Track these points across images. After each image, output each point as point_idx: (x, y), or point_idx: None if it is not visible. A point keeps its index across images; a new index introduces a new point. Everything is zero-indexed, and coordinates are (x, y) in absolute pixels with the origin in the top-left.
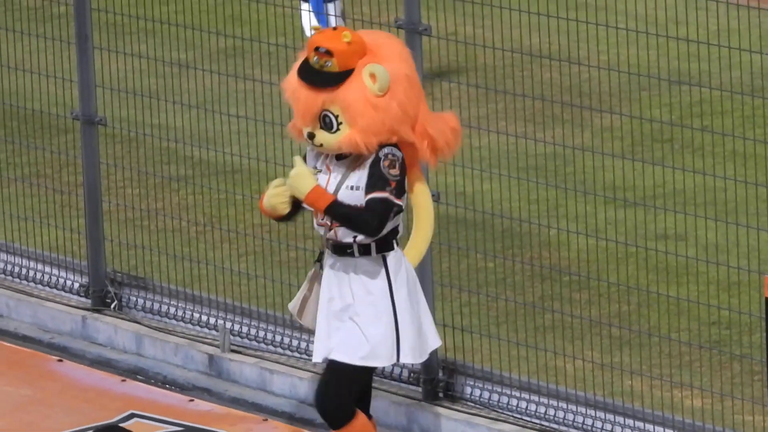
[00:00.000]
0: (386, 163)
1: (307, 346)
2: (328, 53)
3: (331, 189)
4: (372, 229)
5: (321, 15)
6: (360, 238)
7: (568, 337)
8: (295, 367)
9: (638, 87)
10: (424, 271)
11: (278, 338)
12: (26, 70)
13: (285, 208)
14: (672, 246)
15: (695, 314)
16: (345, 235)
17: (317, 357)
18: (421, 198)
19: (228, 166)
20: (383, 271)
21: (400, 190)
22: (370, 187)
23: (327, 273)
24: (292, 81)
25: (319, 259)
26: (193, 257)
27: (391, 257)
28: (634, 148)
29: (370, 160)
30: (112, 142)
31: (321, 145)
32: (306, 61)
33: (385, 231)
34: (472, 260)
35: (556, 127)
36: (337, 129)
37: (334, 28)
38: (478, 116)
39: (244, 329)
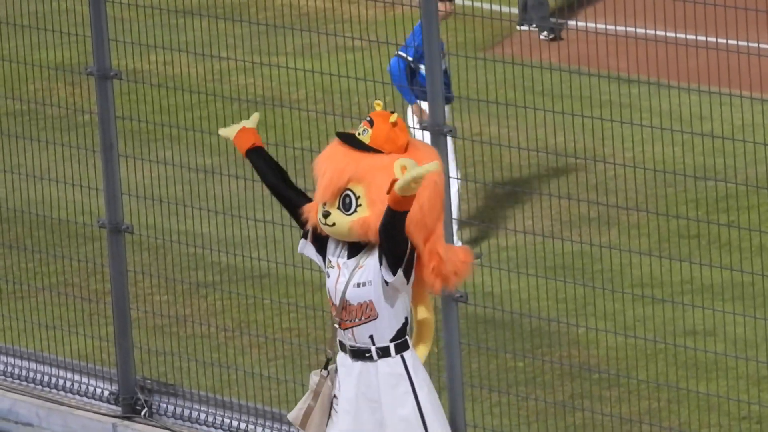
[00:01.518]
0: None
1: None
2: (370, 122)
3: (340, 287)
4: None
5: (404, 88)
6: (377, 339)
7: None
8: None
9: (664, 183)
10: (453, 371)
11: None
12: (52, 179)
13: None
14: (701, 342)
15: (726, 409)
16: (362, 337)
17: None
18: (424, 318)
19: (256, 271)
20: (404, 371)
21: (409, 273)
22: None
23: (346, 384)
24: (323, 153)
25: (326, 367)
26: (223, 362)
27: (409, 355)
28: (662, 245)
29: (377, 256)
30: (139, 250)
31: (333, 224)
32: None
33: (399, 323)
34: (501, 360)
35: (583, 225)
36: (354, 211)
37: (392, 112)
38: (504, 216)
39: None
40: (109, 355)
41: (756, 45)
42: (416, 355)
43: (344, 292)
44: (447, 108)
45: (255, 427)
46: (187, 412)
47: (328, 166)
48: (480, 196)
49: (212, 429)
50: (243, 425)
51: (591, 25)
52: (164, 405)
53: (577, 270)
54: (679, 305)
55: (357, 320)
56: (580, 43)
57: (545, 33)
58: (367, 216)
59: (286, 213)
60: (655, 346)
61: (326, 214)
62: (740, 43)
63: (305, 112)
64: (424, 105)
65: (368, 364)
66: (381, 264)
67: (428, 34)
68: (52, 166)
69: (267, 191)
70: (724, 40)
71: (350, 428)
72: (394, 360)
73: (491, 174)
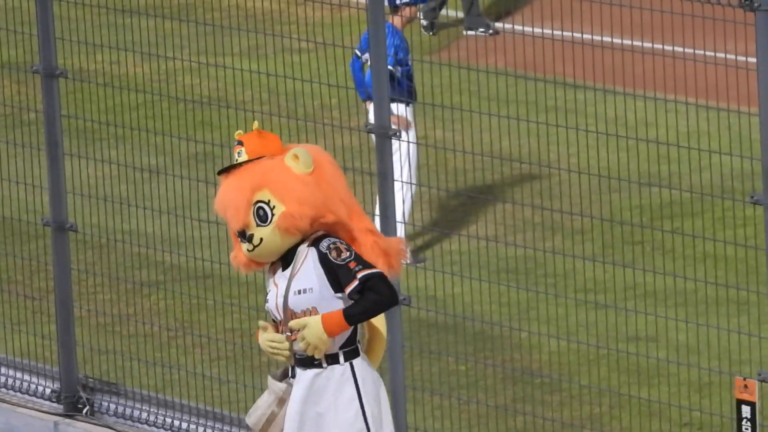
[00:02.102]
0: (334, 254)
1: None
2: (240, 143)
3: (280, 301)
4: (390, 298)
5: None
6: (327, 349)
7: None
8: None
9: (609, 189)
10: (395, 374)
11: None
12: None
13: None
14: (643, 348)
15: (667, 416)
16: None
17: None
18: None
19: (200, 271)
20: (351, 378)
21: (364, 263)
22: (346, 280)
23: (296, 389)
24: (219, 191)
25: (291, 374)
26: (166, 362)
27: (358, 363)
28: (605, 251)
29: (313, 261)
30: (84, 248)
31: (260, 241)
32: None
33: (348, 332)
34: (443, 363)
35: (528, 230)
36: (272, 216)
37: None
38: (449, 220)
39: None
40: (52, 353)
41: (702, 52)
42: (367, 363)
43: (285, 301)
44: (410, 109)
45: (197, 427)
46: (129, 411)
47: (227, 197)
48: (425, 200)
49: (154, 428)
50: (185, 425)
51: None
52: (106, 404)
53: (521, 274)
54: (622, 311)
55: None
56: (527, 48)
57: (482, 29)
58: (285, 209)
59: None
60: (597, 351)
61: (250, 238)
62: (686, 50)
63: (251, 113)
64: (401, 111)
65: (317, 373)
66: (328, 283)
67: (375, 36)
68: None
69: (212, 191)
70: (671, 47)
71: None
72: (343, 367)
73: (436, 178)
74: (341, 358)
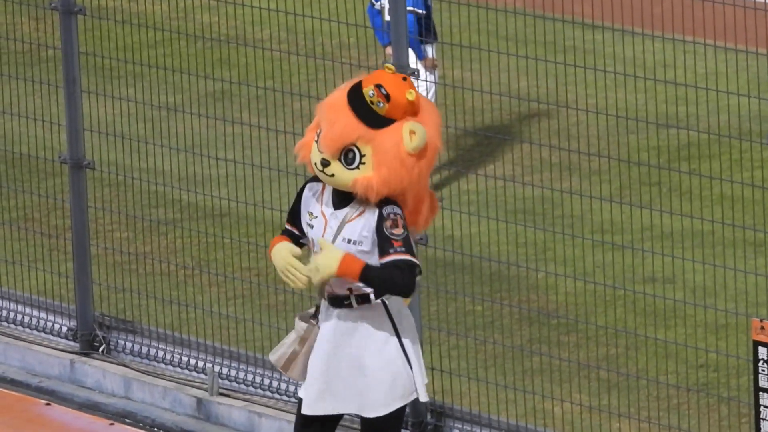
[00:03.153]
0: (389, 223)
1: (296, 389)
2: (387, 98)
3: (328, 239)
4: (407, 288)
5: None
6: (357, 290)
7: (556, 380)
8: (284, 411)
9: (626, 131)
10: (412, 314)
11: (267, 382)
12: (14, 113)
13: (299, 287)
14: (660, 289)
15: (683, 357)
16: (340, 287)
17: (318, 410)
18: None
19: (216, 210)
20: (386, 317)
21: (409, 247)
22: (383, 251)
23: (325, 327)
24: (336, 100)
25: (316, 315)
26: (182, 301)
27: (392, 301)
28: (622, 192)
29: (373, 216)
30: (101, 186)
31: (332, 175)
32: (359, 88)
33: None
34: (460, 304)
35: (544, 170)
36: (357, 167)
37: (405, 78)
38: (466, 159)
39: (233, 372)
40: (68, 292)
41: None
42: (399, 300)
43: (332, 241)
44: (431, 48)
45: (213, 366)
46: (145, 350)
47: (339, 119)
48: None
49: (170, 367)
50: (201, 363)
51: None
52: (122, 342)
53: (537, 215)
54: (639, 252)
55: None
56: None
57: None
58: (371, 176)
59: (248, 152)
60: (614, 292)
61: (325, 164)
62: None
63: (269, 51)
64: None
65: (347, 313)
66: (376, 244)
67: None
68: (14, 100)
69: (229, 130)
70: None
71: (324, 368)
72: (376, 304)
73: (453, 117)
74: (372, 297)
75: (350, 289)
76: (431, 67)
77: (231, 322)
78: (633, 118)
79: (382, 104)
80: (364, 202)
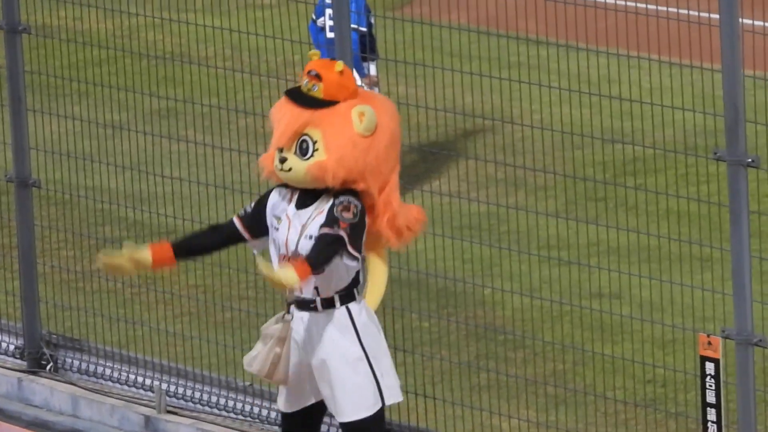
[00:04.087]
0: (340, 207)
1: (243, 406)
2: (318, 77)
3: (292, 239)
4: (313, 263)
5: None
6: (322, 290)
7: (503, 396)
8: (232, 428)
9: (572, 146)
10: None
11: (214, 399)
12: None
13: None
14: (607, 304)
15: (631, 372)
16: (307, 289)
17: (291, 407)
18: (376, 265)
19: (163, 228)
20: (350, 322)
21: (354, 236)
22: (322, 225)
23: (294, 330)
24: (278, 103)
25: (289, 311)
26: (129, 318)
27: (354, 306)
28: (569, 207)
29: (327, 206)
30: (47, 204)
31: (290, 169)
32: (297, 86)
33: (349, 277)
34: (407, 320)
35: (490, 186)
36: (311, 156)
37: (332, 59)
38: (413, 176)
39: (180, 390)
40: (15, 310)
41: (665, 8)
42: (364, 306)
43: (297, 245)
44: (373, 66)
45: (160, 383)
46: (92, 368)
47: (285, 112)
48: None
49: (117, 384)
50: (148, 381)
51: None
52: (70, 360)
53: (484, 230)
54: (585, 267)
55: None
56: (489, 4)
57: None
58: (324, 160)
59: (193, 169)
60: (561, 307)
61: (283, 160)
62: (649, 6)
63: (214, 69)
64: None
65: (313, 314)
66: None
67: None
68: None
69: (175, 147)
70: (633, 3)
71: (294, 371)
72: (339, 311)
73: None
74: (337, 302)
75: (317, 288)
76: (373, 85)
77: (178, 340)
78: (579, 134)
79: (316, 86)
80: (326, 200)
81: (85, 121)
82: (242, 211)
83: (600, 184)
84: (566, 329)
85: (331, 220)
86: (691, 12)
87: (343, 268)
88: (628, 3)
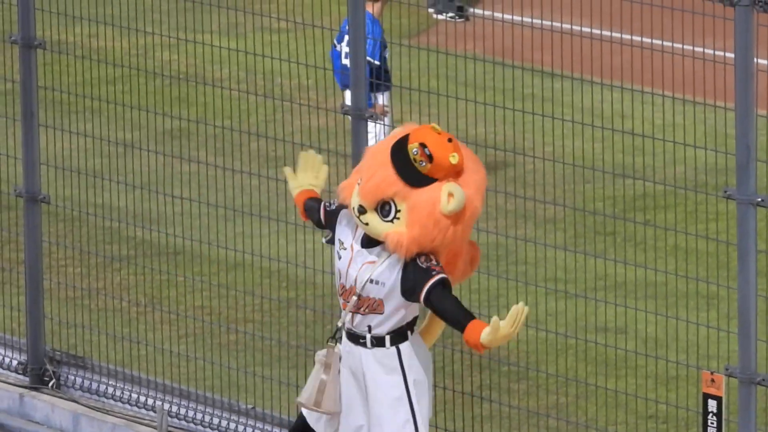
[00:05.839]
0: (422, 258)
1: (245, 429)
2: (430, 158)
3: (353, 273)
4: (454, 312)
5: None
6: (375, 329)
7: (505, 427)
8: None
9: (582, 179)
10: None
11: (216, 421)
12: None
13: None
14: (611, 339)
15: (633, 408)
16: (361, 325)
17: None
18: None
19: (170, 248)
20: (398, 363)
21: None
22: (417, 284)
23: (344, 360)
24: (380, 151)
25: (334, 336)
26: (133, 337)
27: (405, 347)
28: (577, 240)
29: (399, 264)
30: (55, 221)
31: (367, 224)
32: (404, 143)
33: (404, 321)
34: None
35: (500, 217)
36: (391, 221)
37: (450, 140)
38: None
39: (182, 411)
40: (19, 325)
41: (680, 46)
42: (414, 348)
43: (355, 280)
44: (386, 95)
45: (162, 403)
46: (95, 386)
47: (379, 171)
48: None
49: (119, 403)
50: (150, 401)
51: (512, 17)
52: (72, 377)
53: (491, 261)
54: (591, 301)
55: (362, 309)
56: (505, 36)
57: (451, 14)
58: (403, 233)
59: (203, 190)
60: (565, 341)
61: (362, 211)
62: (664, 42)
63: (227, 90)
64: (381, 99)
65: (361, 350)
66: (401, 286)
67: (354, 20)
68: None
69: (186, 168)
70: (648, 39)
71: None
72: (389, 350)
73: None
74: (387, 342)
75: (369, 326)
76: (381, 114)
77: (182, 360)
78: (589, 167)
79: (424, 163)
80: (389, 254)
81: (96, 138)
82: (328, 203)
83: (608, 219)
84: (570, 362)
85: (421, 274)
86: (706, 50)
87: (409, 314)
88: (644, 39)
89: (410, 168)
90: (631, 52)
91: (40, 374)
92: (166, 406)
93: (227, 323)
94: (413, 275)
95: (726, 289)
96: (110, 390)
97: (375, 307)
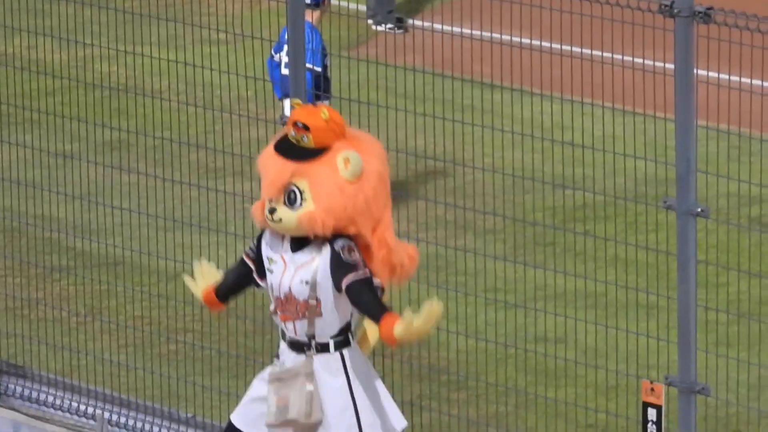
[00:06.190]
0: (346, 252)
1: None
2: (305, 128)
3: (286, 281)
4: (372, 306)
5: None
6: (318, 335)
7: None
8: None
9: (522, 190)
10: None
11: (156, 429)
12: None
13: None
14: (551, 348)
15: (573, 417)
16: (301, 332)
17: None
18: None
19: (110, 258)
20: (341, 366)
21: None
22: (340, 275)
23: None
24: (266, 152)
25: (276, 356)
26: (73, 347)
27: (347, 352)
28: (516, 251)
29: (326, 256)
30: None
31: (280, 220)
32: (285, 136)
33: (343, 322)
34: None
35: (439, 227)
36: (300, 206)
37: (314, 104)
38: None
39: (122, 420)
40: None
41: (620, 57)
42: (358, 353)
43: (290, 288)
44: (326, 104)
45: (103, 412)
46: (35, 394)
47: (271, 164)
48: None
49: (60, 412)
50: (91, 410)
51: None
52: (12, 386)
53: (431, 272)
54: (531, 311)
55: (300, 315)
56: (443, 47)
57: (390, 26)
58: (313, 210)
59: (143, 201)
60: (505, 350)
61: (272, 210)
62: (604, 54)
63: (167, 101)
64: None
65: (304, 358)
66: (332, 281)
67: (293, 28)
68: None
69: (125, 179)
70: (588, 51)
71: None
72: (332, 356)
73: None
74: (331, 348)
75: (312, 333)
76: None
77: (122, 370)
78: (529, 178)
79: (305, 137)
80: (319, 246)
81: (35, 149)
82: (248, 249)
83: (548, 229)
84: (509, 372)
85: (345, 268)
86: (647, 61)
87: (345, 310)
88: (584, 50)
89: (296, 148)
90: (571, 64)
91: None
92: (106, 414)
93: (167, 333)
94: (338, 266)
95: (666, 299)
96: (50, 399)
97: (313, 309)
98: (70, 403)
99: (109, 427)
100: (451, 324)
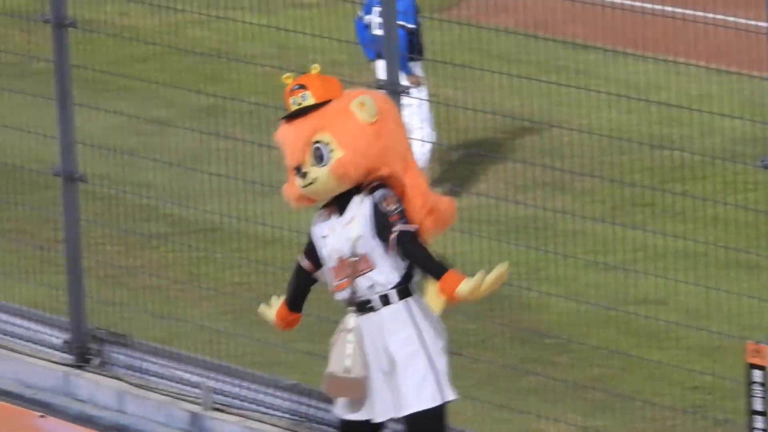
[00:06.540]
0: (384, 204)
1: (289, 405)
2: (301, 87)
3: (336, 243)
4: (422, 257)
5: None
6: (378, 287)
7: (549, 400)
8: (278, 426)
9: (618, 151)
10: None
11: (260, 397)
12: (7, 126)
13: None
14: (652, 310)
15: (677, 379)
16: (361, 288)
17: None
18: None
19: (207, 225)
20: (408, 317)
21: (405, 218)
22: (383, 226)
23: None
24: (279, 129)
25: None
26: (173, 315)
27: (413, 302)
28: (615, 212)
29: (368, 208)
30: (92, 199)
31: (314, 181)
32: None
33: (399, 271)
34: (452, 322)
35: (537, 189)
36: (329, 158)
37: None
38: (458, 178)
39: (226, 387)
40: (60, 304)
41: (713, 16)
42: (424, 304)
43: (341, 247)
44: (418, 66)
45: (206, 380)
46: (138, 363)
47: (289, 131)
48: (434, 158)
49: (162, 380)
50: (192, 377)
51: None
52: (115, 355)
53: (529, 234)
54: (631, 272)
55: (357, 271)
56: (537, 9)
57: None
58: (342, 156)
59: (239, 167)
60: (606, 312)
61: (304, 174)
62: (697, 13)
63: (260, 66)
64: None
65: (372, 317)
66: (376, 231)
67: None
68: (6, 112)
69: (221, 145)
70: (682, 10)
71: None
72: (398, 306)
73: (446, 135)
74: (395, 297)
75: (371, 287)
76: (417, 85)
77: (223, 337)
78: (625, 139)
79: (305, 95)
80: (360, 201)
81: (131, 116)
82: (302, 254)
83: (646, 190)
84: (611, 334)
85: (386, 217)
86: (739, 19)
87: (394, 260)
88: (676, 9)
89: (302, 111)
90: (663, 23)
91: (83, 352)
92: (210, 382)
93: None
94: (380, 216)
95: (766, 258)
96: (153, 367)
97: (365, 265)
98: (173, 372)
99: (214, 395)
100: (552, 287)
